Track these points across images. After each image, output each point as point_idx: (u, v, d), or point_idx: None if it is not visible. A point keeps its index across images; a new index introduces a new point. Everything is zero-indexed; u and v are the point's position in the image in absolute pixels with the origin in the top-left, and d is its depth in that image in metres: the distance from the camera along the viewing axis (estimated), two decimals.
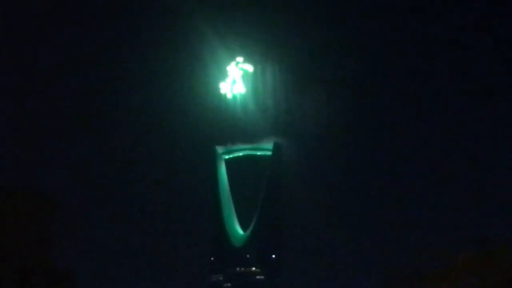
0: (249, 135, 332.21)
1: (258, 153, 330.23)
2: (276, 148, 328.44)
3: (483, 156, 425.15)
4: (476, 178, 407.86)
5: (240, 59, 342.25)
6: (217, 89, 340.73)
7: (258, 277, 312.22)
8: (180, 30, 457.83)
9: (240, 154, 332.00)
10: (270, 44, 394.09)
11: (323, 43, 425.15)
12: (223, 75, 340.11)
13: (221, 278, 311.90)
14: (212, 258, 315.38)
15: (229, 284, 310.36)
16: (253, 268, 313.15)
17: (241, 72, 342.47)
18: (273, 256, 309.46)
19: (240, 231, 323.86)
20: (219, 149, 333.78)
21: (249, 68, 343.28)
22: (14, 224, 79.52)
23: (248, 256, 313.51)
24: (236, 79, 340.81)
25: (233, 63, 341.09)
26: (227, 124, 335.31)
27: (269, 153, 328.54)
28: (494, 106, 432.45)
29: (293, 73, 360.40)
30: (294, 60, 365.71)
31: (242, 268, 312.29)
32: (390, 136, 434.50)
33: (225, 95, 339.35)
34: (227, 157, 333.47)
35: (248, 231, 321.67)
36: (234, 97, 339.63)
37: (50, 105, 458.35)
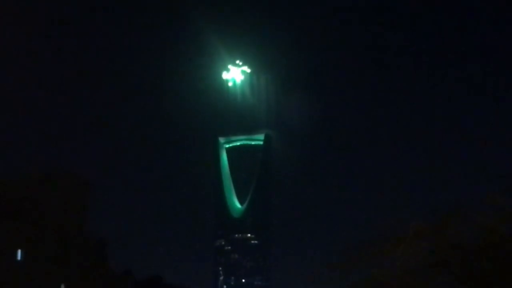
0: (245, 128, 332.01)
1: (252, 142, 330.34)
2: (267, 138, 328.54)
3: (432, 138, 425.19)
4: (424, 160, 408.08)
5: (239, 62, 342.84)
6: (221, 92, 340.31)
7: (253, 241, 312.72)
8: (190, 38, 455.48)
9: (238, 143, 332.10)
10: (266, 49, 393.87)
11: (313, 46, 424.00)
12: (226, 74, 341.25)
13: (223, 242, 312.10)
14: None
15: (229, 247, 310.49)
16: (249, 234, 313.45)
17: (239, 72, 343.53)
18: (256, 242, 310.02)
19: (238, 205, 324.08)
20: (221, 140, 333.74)
21: (247, 69, 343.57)
22: (57, 201, 79.09)
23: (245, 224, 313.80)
24: (236, 77, 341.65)
25: (234, 66, 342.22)
26: (227, 120, 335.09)
27: (261, 142, 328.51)
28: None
29: (283, 75, 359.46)
30: (285, 64, 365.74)
31: (240, 235, 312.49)
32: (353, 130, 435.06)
33: (227, 90, 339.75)
34: (227, 146, 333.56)
35: (245, 205, 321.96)
36: (235, 86, 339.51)
37: (80, 102, 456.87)
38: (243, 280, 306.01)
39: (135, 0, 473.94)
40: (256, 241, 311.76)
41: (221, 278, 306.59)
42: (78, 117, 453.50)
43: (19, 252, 73.68)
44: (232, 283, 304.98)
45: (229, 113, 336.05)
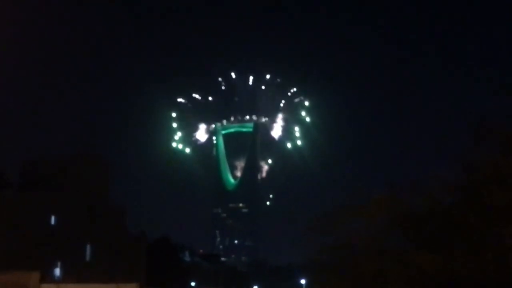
0: (238, 117, 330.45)
1: (244, 129, 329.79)
2: (255, 126, 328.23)
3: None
4: (386, 144, 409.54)
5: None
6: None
7: (243, 210, 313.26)
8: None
9: (232, 130, 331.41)
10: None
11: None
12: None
13: (220, 211, 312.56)
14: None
15: (224, 214, 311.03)
16: (240, 204, 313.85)
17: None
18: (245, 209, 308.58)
19: (232, 180, 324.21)
20: (218, 126, 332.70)
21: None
22: (85, 176, 78.98)
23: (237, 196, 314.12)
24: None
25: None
26: (224, 112, 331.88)
27: (251, 129, 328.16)
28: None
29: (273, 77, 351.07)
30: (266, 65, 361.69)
31: (233, 204, 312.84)
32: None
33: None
34: (223, 131, 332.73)
35: (237, 180, 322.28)
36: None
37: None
38: (236, 241, 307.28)
39: None
40: (246, 210, 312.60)
41: (218, 239, 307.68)
42: (105, 109, 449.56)
43: (52, 217, 73.63)
44: (227, 243, 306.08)
45: (226, 105, 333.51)
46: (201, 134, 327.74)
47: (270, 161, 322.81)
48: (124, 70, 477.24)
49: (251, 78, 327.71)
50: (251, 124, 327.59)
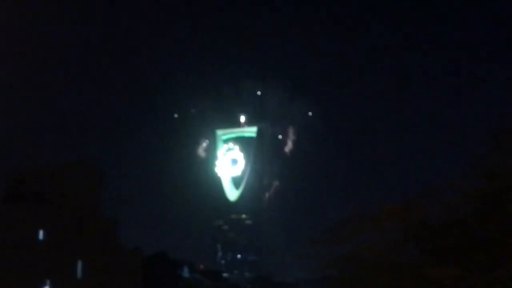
0: (239, 123, 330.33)
1: (246, 135, 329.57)
2: (259, 131, 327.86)
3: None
4: (398, 151, 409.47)
5: None
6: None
7: (246, 221, 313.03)
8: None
9: (233, 136, 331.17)
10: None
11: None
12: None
13: (221, 222, 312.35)
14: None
15: (226, 227, 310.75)
16: (243, 215, 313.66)
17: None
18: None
19: (234, 189, 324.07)
20: (218, 132, 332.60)
21: None
22: (75, 187, 79.22)
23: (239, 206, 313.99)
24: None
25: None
26: (225, 116, 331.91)
27: (254, 134, 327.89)
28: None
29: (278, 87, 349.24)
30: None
31: (235, 215, 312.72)
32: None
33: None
34: (224, 138, 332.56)
35: (240, 189, 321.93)
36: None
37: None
38: (238, 256, 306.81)
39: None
40: (249, 221, 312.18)
41: (219, 254, 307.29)
42: (95, 116, 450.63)
43: (41, 232, 73.80)
44: (229, 258, 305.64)
45: (227, 114, 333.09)
46: (202, 148, 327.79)
47: (278, 172, 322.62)
48: (121, 76, 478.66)
49: (258, 88, 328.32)
50: (253, 129, 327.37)
